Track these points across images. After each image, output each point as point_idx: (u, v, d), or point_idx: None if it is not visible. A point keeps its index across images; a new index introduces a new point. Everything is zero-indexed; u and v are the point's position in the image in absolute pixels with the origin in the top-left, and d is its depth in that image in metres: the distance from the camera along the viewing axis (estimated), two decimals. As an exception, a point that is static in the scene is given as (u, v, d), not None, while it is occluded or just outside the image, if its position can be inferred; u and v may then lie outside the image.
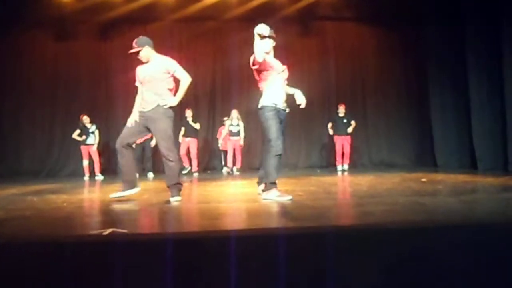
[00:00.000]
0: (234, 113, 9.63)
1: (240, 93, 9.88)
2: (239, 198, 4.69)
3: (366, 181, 5.98)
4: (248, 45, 9.81)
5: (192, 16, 9.41)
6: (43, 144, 9.89)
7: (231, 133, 9.59)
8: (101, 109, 9.98)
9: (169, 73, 4.43)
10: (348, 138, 9.28)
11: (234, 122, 9.65)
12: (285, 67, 4.71)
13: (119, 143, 4.37)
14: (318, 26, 10.25)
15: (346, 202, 4.25)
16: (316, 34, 10.17)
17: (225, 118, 9.84)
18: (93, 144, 9.15)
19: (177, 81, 4.48)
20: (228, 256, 2.20)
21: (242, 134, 9.63)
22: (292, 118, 9.33)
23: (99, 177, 8.94)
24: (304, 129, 10.32)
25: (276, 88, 4.52)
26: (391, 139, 10.24)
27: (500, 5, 7.29)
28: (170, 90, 4.44)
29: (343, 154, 9.31)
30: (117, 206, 4.16)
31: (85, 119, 9.22)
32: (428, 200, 4.03)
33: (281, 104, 4.50)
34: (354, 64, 10.32)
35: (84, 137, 9.13)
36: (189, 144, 9.45)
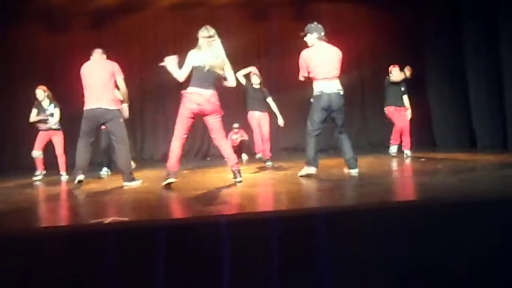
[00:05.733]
0: (255, 77, 7.15)
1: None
2: (237, 184, 4.67)
3: (365, 162, 5.97)
4: (241, 30, 9.85)
5: (185, 3, 9.30)
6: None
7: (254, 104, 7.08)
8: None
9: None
10: (407, 110, 7.32)
11: (256, 86, 7.14)
12: None
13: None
14: (313, 9, 10.14)
15: (345, 183, 4.24)
16: (311, 16, 10.05)
17: (236, 125, 9.03)
18: (58, 129, 6.79)
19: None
20: (221, 241, 2.20)
21: (273, 104, 7.18)
22: (290, 101, 9.39)
23: (64, 176, 6.52)
24: (302, 112, 10.26)
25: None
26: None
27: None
28: None
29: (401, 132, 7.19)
30: (116, 196, 4.16)
31: (39, 93, 6.82)
32: (428, 180, 4.03)
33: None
34: (350, 46, 10.22)
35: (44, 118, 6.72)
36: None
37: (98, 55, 5.27)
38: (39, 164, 6.67)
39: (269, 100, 7.16)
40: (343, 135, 4.86)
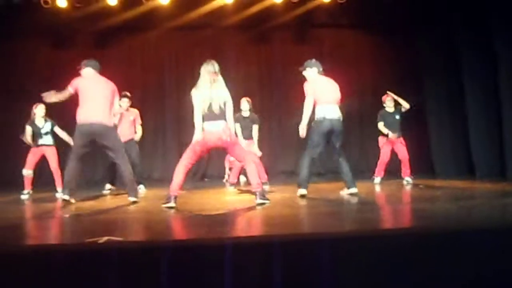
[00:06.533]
0: (245, 103, 6.95)
1: (237, 101, 9.83)
2: (236, 206, 4.64)
3: (363, 188, 5.95)
4: (244, 53, 9.95)
5: (189, 24, 9.39)
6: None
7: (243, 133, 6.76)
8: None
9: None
10: (402, 139, 7.19)
11: (244, 113, 6.92)
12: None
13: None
14: (315, 33, 10.27)
15: (344, 209, 4.22)
16: (313, 41, 10.19)
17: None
18: (50, 145, 6.63)
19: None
20: (224, 264, 2.17)
21: (255, 133, 6.85)
22: (290, 125, 9.40)
23: (60, 194, 5.97)
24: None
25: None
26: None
27: (491, 10, 7.31)
28: None
29: (388, 163, 7.29)
30: (113, 215, 4.13)
31: (39, 110, 6.67)
32: (427, 207, 4.01)
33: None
34: (350, 70, 10.31)
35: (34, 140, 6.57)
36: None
37: (94, 71, 5.32)
38: (28, 183, 6.46)
39: (255, 127, 6.87)
40: (341, 158, 5.15)
